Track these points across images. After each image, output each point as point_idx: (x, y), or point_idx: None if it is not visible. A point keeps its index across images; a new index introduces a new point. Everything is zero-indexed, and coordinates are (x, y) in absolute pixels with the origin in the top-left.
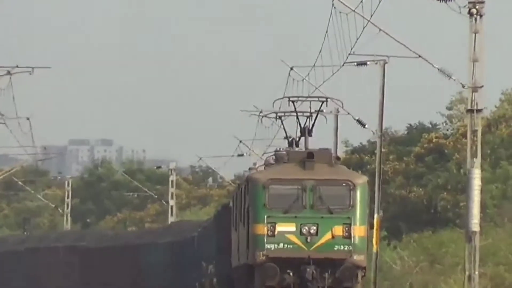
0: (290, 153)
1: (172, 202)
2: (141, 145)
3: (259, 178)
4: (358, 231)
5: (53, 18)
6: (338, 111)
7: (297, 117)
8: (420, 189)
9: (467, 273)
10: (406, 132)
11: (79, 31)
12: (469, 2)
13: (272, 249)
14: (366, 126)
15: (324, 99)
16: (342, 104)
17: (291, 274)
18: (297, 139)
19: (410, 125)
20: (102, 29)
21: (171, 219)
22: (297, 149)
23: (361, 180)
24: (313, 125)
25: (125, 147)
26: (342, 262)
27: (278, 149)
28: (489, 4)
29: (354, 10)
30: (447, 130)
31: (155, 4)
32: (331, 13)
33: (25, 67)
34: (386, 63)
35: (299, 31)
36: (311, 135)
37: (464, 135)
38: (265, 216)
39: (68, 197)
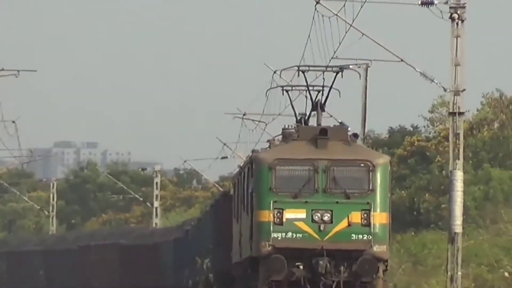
0: (300, 130)
1: (156, 204)
2: (126, 148)
3: (264, 158)
4: (379, 218)
5: (38, 22)
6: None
7: (308, 90)
8: (403, 191)
9: (449, 273)
10: (388, 135)
11: (65, 35)
12: (451, 7)
13: (279, 238)
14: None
15: (339, 69)
16: (360, 75)
17: (301, 267)
18: (307, 116)
19: (392, 128)
20: (87, 33)
21: (155, 221)
22: None
23: (382, 160)
24: (326, 98)
25: (110, 150)
26: (361, 254)
27: (285, 126)
28: (471, 9)
29: (336, 14)
30: (429, 133)
31: (139, 12)
32: (313, 17)
33: (11, 70)
34: (369, 66)
35: (282, 34)
36: (324, 110)
37: (446, 138)
38: (271, 201)
39: (53, 199)
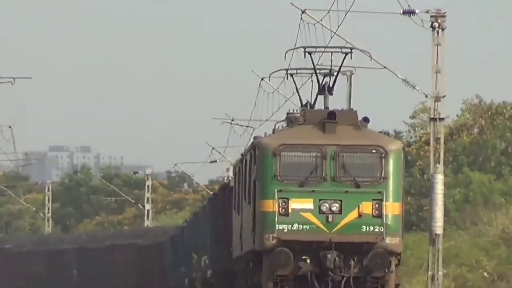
0: (306, 113)
1: (148, 206)
2: (119, 152)
3: (268, 144)
4: (392, 208)
5: (33, 30)
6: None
7: (315, 72)
8: None
9: (430, 273)
10: None
11: (59, 42)
12: (432, 16)
13: (285, 230)
14: None
15: (349, 50)
16: (371, 55)
17: (308, 261)
18: (313, 100)
19: None
20: (80, 41)
21: (147, 223)
22: None
23: (395, 145)
24: (334, 81)
25: (103, 154)
26: (372, 247)
27: (290, 110)
28: (451, 18)
29: (320, 22)
30: (411, 138)
31: (131, 20)
32: (299, 26)
33: (7, 78)
34: (353, 73)
35: (269, 42)
36: (331, 94)
37: (427, 143)
38: (276, 190)
39: (48, 201)
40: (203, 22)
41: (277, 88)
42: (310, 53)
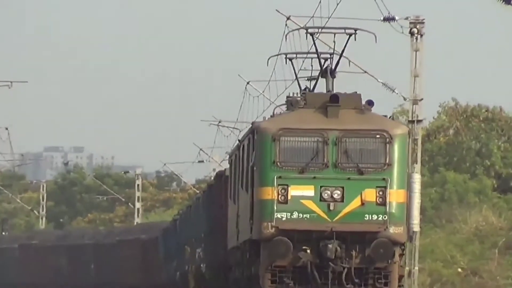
0: (307, 96)
1: (138, 205)
2: (110, 152)
3: (267, 128)
4: (396, 196)
5: (28, 34)
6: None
7: (318, 55)
8: None
9: (407, 268)
10: None
11: (52, 47)
12: (411, 23)
13: (284, 219)
14: None
15: (353, 31)
16: (376, 37)
17: (308, 251)
18: (313, 84)
19: None
20: (73, 45)
21: (137, 220)
22: None
23: (400, 130)
24: (337, 63)
25: (95, 154)
26: (375, 236)
27: (289, 94)
28: (429, 24)
29: (303, 28)
30: None
31: (125, 22)
32: (284, 31)
33: (4, 81)
34: (335, 77)
35: (255, 48)
36: (334, 76)
37: None
38: (275, 177)
39: (43, 200)
40: (191, 31)
41: (262, 91)
42: (312, 35)
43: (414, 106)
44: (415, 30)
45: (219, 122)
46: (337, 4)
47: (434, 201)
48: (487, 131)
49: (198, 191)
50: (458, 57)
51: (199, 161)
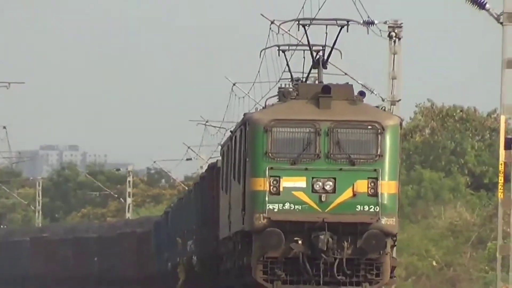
0: (300, 87)
1: (129, 200)
2: (103, 150)
3: (259, 119)
4: (388, 187)
5: (25, 37)
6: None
7: (309, 47)
8: None
9: None
10: None
11: (50, 47)
12: (389, 27)
13: (276, 210)
14: None
15: (345, 22)
16: (368, 29)
17: (299, 242)
18: (305, 76)
19: None
20: (67, 48)
21: (128, 215)
22: None
23: (392, 121)
24: (329, 55)
25: (89, 152)
26: (367, 227)
27: (281, 85)
28: (407, 28)
29: (288, 32)
30: None
31: (117, 24)
32: (268, 35)
33: (2, 82)
34: (326, 68)
35: (240, 51)
36: (326, 68)
37: None
38: (267, 168)
39: (39, 196)
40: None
41: (248, 92)
42: (304, 26)
43: (392, 106)
44: (393, 33)
45: (206, 121)
46: (319, 9)
47: (410, 198)
48: (462, 130)
49: (186, 187)
50: (435, 59)
51: (187, 159)
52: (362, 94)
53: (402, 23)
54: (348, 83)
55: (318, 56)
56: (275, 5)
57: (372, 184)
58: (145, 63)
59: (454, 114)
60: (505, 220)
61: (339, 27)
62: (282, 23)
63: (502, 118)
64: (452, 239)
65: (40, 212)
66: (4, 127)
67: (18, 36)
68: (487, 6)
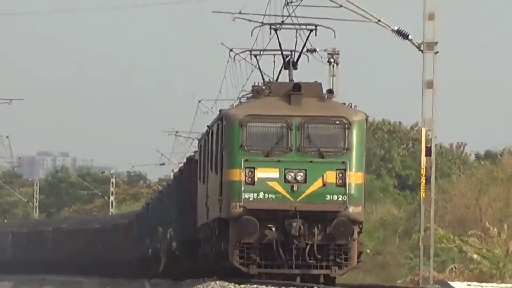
0: (272, 85)
1: (112, 198)
2: (90, 156)
3: (235, 114)
4: (354, 178)
5: (23, 54)
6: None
7: (281, 50)
8: None
9: None
10: None
11: (43, 67)
12: (328, 54)
13: (251, 199)
14: None
15: (314, 27)
16: (335, 33)
17: (273, 229)
18: (276, 76)
19: None
20: (59, 65)
21: (111, 210)
22: None
23: (358, 117)
24: (299, 56)
25: (78, 158)
26: (335, 215)
27: (255, 83)
28: (344, 54)
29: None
30: None
31: (104, 31)
32: (228, 61)
33: (5, 99)
34: (296, 69)
35: (205, 72)
36: (296, 68)
37: None
38: (242, 160)
39: (36, 194)
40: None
41: (211, 108)
42: (276, 30)
43: None
44: (332, 59)
45: (176, 132)
46: (270, 40)
47: None
48: (389, 140)
49: (160, 187)
50: (367, 80)
51: (161, 164)
52: (330, 92)
53: (339, 50)
54: (317, 81)
55: (289, 58)
56: (234, 35)
57: (340, 175)
58: (121, 84)
59: (383, 126)
60: (426, 215)
61: (308, 31)
62: (255, 27)
63: (423, 130)
64: (382, 231)
65: (37, 208)
66: (7, 137)
67: (18, 56)
68: (410, 37)
